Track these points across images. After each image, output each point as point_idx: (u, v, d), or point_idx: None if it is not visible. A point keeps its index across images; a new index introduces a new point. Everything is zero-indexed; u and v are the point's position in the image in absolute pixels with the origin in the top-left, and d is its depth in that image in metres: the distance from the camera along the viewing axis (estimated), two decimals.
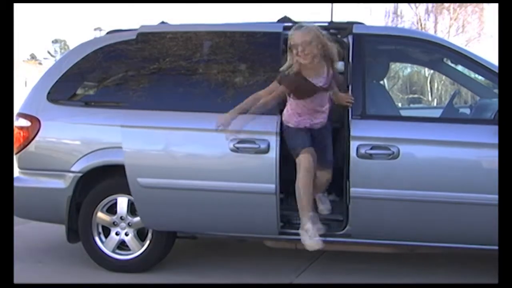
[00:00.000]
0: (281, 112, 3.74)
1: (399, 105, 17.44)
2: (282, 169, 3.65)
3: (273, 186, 3.62)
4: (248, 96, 3.66)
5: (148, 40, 4.06)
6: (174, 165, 3.80)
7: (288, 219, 3.84)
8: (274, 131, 3.66)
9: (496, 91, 3.65)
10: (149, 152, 3.86)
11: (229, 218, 3.80)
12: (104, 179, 4.01)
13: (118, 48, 4.13)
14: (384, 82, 5.71)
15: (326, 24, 4.00)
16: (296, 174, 3.58)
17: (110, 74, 4.17)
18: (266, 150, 3.64)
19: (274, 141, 3.64)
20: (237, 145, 3.66)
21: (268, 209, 3.65)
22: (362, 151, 3.58)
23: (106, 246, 4.05)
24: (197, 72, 3.96)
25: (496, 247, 2.97)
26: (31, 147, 4.03)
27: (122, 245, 4.06)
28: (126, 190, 3.87)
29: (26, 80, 30.40)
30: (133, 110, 3.88)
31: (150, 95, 3.92)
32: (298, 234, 3.64)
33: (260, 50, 3.91)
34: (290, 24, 3.93)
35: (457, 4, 25.58)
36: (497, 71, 3.57)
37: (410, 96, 25.46)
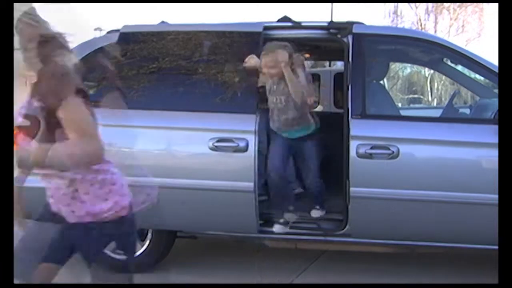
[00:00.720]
0: (260, 110, 3.79)
1: (399, 105, 17.45)
2: (261, 168, 3.69)
3: (251, 184, 3.63)
4: (223, 93, 3.76)
5: (129, 40, 4.08)
6: (153, 164, 3.82)
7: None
8: (252, 129, 3.67)
9: (496, 91, 3.65)
10: (128, 150, 3.87)
11: (208, 216, 3.81)
12: None
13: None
14: (384, 82, 5.72)
15: (326, 24, 4.00)
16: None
17: (104, 74, 4.18)
18: (245, 149, 3.66)
19: (252, 140, 3.66)
20: (216, 144, 3.67)
21: (247, 207, 3.67)
22: (362, 150, 3.58)
23: None
24: (176, 71, 3.97)
25: (496, 247, 2.97)
26: None
27: None
28: None
29: (26, 80, 30.33)
30: (116, 109, 3.89)
31: (132, 94, 3.94)
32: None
33: (240, 50, 3.92)
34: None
35: (457, 4, 25.57)
36: (497, 71, 3.58)
37: (410, 96, 25.48)
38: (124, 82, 3.96)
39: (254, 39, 3.87)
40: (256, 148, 3.65)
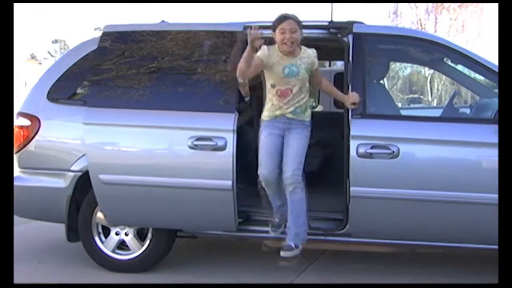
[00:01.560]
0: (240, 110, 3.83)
1: (399, 105, 17.43)
2: (239, 166, 3.70)
3: (229, 182, 3.64)
4: (202, 92, 3.80)
5: (111, 40, 4.08)
6: (133, 162, 3.83)
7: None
8: (231, 128, 3.68)
9: (496, 90, 3.65)
10: (109, 149, 3.89)
11: (188, 215, 3.81)
12: None
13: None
14: (384, 81, 5.71)
15: (326, 23, 4.00)
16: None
17: (98, 73, 4.17)
18: (223, 147, 3.67)
19: (231, 138, 3.67)
20: (195, 142, 3.69)
21: (225, 206, 3.68)
22: (362, 150, 3.58)
23: (106, 246, 4.05)
24: (156, 70, 3.97)
25: (496, 247, 2.97)
26: (31, 146, 4.03)
27: (122, 245, 4.06)
28: None
29: (26, 80, 30.36)
30: (97, 108, 3.91)
31: (113, 93, 3.96)
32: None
33: (219, 50, 3.92)
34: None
35: (457, 4, 25.55)
36: (497, 70, 3.57)
37: (410, 96, 25.45)
38: (105, 81, 3.98)
39: (233, 39, 3.88)
40: (235, 146, 3.67)
